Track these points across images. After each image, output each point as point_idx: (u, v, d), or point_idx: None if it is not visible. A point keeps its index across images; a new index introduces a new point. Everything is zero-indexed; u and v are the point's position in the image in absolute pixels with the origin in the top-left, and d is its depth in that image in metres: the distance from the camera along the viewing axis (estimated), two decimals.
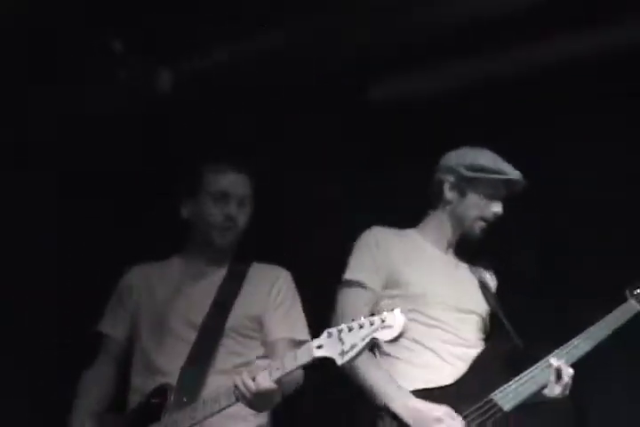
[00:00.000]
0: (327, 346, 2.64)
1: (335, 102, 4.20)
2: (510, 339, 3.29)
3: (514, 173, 3.34)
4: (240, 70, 4.03)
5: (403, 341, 3.04)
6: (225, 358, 3.18)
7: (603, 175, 4.03)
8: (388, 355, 3.23)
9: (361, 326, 2.61)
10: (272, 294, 3.33)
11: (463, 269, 3.45)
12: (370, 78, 4.35)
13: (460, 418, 3.00)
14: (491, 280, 3.52)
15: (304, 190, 4.25)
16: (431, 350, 3.21)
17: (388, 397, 3.06)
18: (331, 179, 4.27)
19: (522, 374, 3.17)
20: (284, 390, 3.00)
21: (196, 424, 2.95)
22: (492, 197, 3.35)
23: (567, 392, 3.17)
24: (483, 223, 3.36)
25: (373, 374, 3.12)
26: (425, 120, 4.22)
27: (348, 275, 3.30)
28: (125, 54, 3.71)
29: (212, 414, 2.91)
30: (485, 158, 3.34)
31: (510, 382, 3.14)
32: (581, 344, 3.25)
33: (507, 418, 3.09)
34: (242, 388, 2.79)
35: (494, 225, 3.41)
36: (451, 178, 3.36)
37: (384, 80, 4.36)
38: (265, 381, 2.76)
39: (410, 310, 3.14)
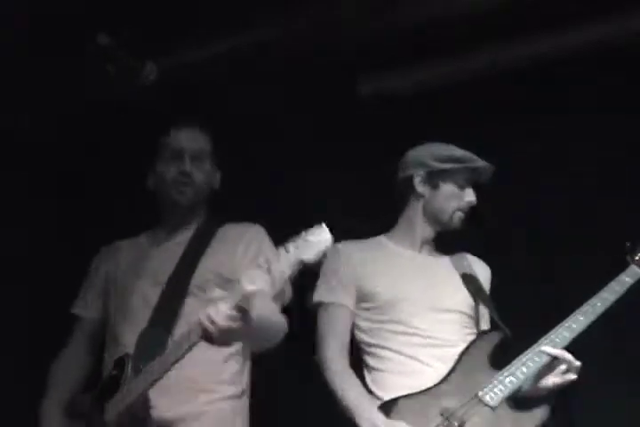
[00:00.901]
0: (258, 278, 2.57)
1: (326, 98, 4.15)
2: (498, 331, 3.17)
3: (481, 162, 3.31)
4: (230, 64, 4.00)
5: (384, 352, 3.12)
6: (189, 319, 2.93)
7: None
8: (374, 369, 3.17)
9: (287, 251, 2.52)
10: (239, 249, 3.17)
11: (442, 265, 3.34)
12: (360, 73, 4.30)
13: None
14: (481, 269, 3.39)
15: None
16: (412, 357, 3.11)
17: (356, 413, 3.01)
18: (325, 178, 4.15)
19: (508, 367, 3.02)
20: (260, 334, 2.92)
21: (155, 381, 2.82)
22: (464, 187, 3.30)
23: (571, 377, 2.99)
24: (461, 213, 3.31)
25: (345, 387, 3.07)
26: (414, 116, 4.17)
27: (318, 297, 3.26)
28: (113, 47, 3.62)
29: (173, 363, 2.77)
30: (452, 149, 3.33)
31: (497, 376, 3.01)
32: (574, 324, 3.08)
33: (496, 414, 2.95)
34: (205, 321, 2.64)
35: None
36: (420, 172, 3.31)
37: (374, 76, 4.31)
38: (225, 307, 2.62)
39: (385, 322, 3.16)
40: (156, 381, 2.82)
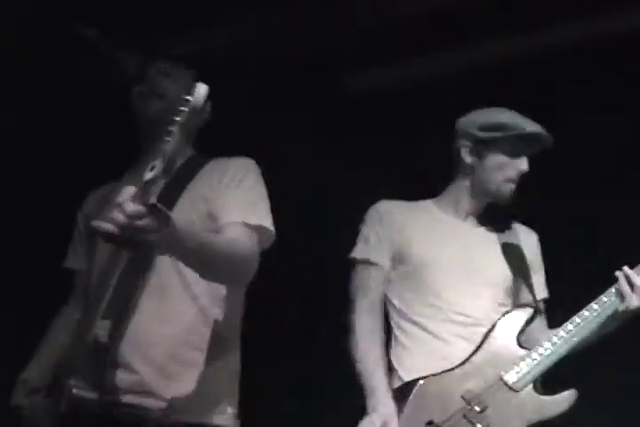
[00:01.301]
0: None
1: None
2: (529, 308, 3.02)
3: (533, 127, 3.08)
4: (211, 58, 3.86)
5: (409, 326, 3.02)
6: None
7: None
8: (399, 343, 3.06)
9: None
10: (223, 181, 2.83)
11: (485, 236, 3.18)
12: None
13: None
14: (527, 238, 3.22)
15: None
16: (436, 335, 2.99)
17: (369, 395, 2.92)
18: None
19: (536, 348, 2.89)
20: (198, 255, 2.44)
21: None
22: (513, 156, 3.10)
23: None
24: (511, 185, 3.12)
25: (368, 362, 2.97)
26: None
27: (353, 254, 3.16)
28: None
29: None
30: (499, 115, 3.13)
31: (524, 357, 2.88)
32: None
33: (521, 398, 2.82)
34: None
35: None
36: (467, 142, 3.15)
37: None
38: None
39: (416, 291, 3.05)
40: None
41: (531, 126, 3.08)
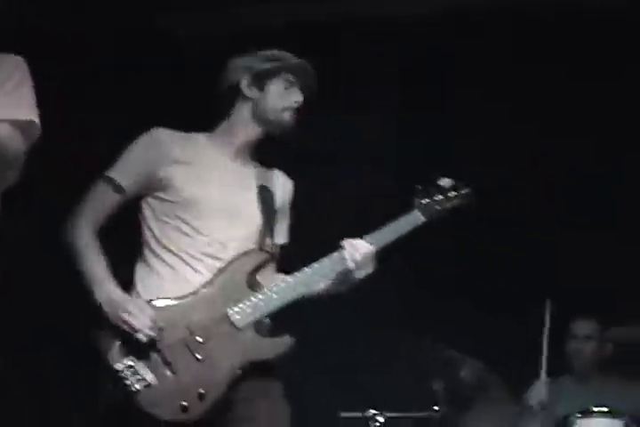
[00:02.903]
0: None
1: None
2: (264, 252, 3.12)
3: (297, 59, 3.29)
4: None
5: (163, 252, 3.05)
6: None
7: None
8: (148, 266, 3.08)
9: None
10: None
11: (248, 176, 3.25)
12: None
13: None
14: (282, 185, 3.32)
15: None
16: (187, 263, 3.04)
17: (95, 281, 2.97)
18: None
19: (265, 291, 3.00)
20: None
21: None
22: (291, 86, 3.25)
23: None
24: (290, 113, 3.25)
25: (94, 259, 3.02)
26: None
27: (108, 172, 3.12)
28: None
29: None
30: (272, 51, 3.29)
31: (251, 298, 2.98)
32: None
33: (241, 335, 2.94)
34: None
35: None
36: (246, 75, 3.24)
37: None
38: None
39: (176, 218, 3.08)
40: None
41: (294, 59, 3.27)
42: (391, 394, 4.34)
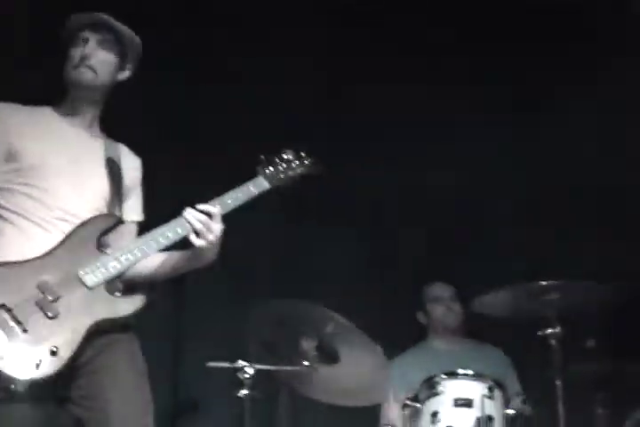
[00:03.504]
0: None
1: None
2: (115, 218, 3.23)
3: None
4: None
5: (11, 215, 3.10)
6: None
7: None
8: None
9: None
10: None
11: (95, 148, 3.32)
12: None
13: None
14: (130, 161, 3.40)
15: None
16: (37, 224, 3.11)
17: None
18: None
19: (114, 252, 3.10)
20: None
21: None
22: (76, 45, 3.29)
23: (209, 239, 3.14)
24: (81, 69, 3.25)
25: None
26: None
27: None
28: None
29: None
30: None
31: (101, 259, 3.07)
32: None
33: (93, 294, 3.01)
34: None
35: None
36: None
37: None
38: None
39: (23, 184, 3.13)
40: None
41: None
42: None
